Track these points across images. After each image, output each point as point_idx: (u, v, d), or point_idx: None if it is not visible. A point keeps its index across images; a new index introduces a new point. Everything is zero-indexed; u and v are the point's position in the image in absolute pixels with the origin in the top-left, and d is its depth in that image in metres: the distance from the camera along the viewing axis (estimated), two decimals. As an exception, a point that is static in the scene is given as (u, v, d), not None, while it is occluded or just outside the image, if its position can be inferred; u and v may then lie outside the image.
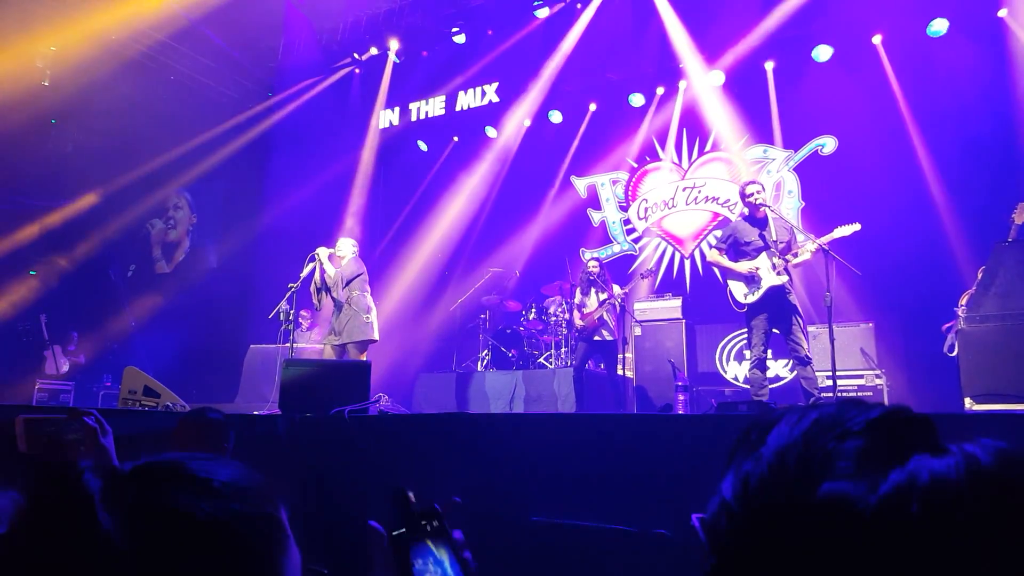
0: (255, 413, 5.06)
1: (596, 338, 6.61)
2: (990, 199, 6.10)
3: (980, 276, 5.06)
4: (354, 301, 5.95)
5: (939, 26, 7.04)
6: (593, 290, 6.72)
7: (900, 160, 7.09)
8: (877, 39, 7.43)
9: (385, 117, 10.18)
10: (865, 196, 6.99)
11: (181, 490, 0.59)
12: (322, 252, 6.14)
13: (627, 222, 9.27)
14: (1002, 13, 6.72)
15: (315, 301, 6.19)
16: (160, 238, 11.10)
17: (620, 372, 6.77)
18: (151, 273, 10.96)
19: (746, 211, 5.38)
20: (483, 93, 9.55)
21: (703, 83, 8.35)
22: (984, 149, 6.57)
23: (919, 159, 7.03)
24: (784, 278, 5.06)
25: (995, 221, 5.46)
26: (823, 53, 7.71)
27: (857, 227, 4.99)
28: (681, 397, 5.68)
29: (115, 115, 9.23)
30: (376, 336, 6.02)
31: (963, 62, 6.84)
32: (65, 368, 9.08)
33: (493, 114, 9.68)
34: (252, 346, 7.64)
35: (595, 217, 9.48)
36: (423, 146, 10.43)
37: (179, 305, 9.88)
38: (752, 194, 5.23)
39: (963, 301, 5.33)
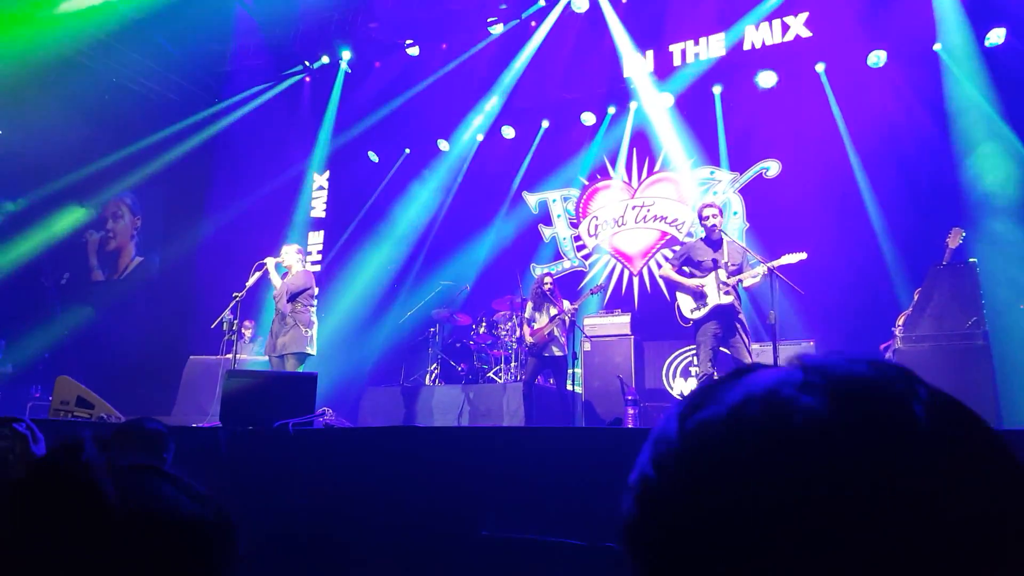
0: (195, 426, 4.85)
1: (546, 353, 6.63)
2: (925, 223, 6.39)
3: (916, 298, 5.29)
4: (297, 314, 5.85)
5: (878, 57, 7.41)
6: (545, 305, 6.74)
7: (841, 184, 7.40)
8: (820, 67, 7.78)
9: (336, 127, 10.05)
10: (807, 219, 7.25)
11: (168, 485, 0.61)
12: (270, 262, 6.00)
13: (577, 239, 9.38)
14: (936, 47, 7.11)
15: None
16: (97, 247, 10.63)
17: (569, 387, 6.80)
18: (86, 281, 10.45)
19: (703, 232, 5.52)
20: (436, 106, 9.54)
21: (653, 104, 8.57)
22: (920, 175, 6.90)
23: (859, 184, 7.35)
24: (731, 298, 5.19)
25: (930, 245, 5.72)
26: (768, 79, 8.02)
27: (803, 256, 5.15)
28: (631, 411, 5.74)
29: (51, 117, 8.82)
30: (313, 351, 5.94)
31: (900, 92, 7.20)
32: (-9, 377, 8.60)
33: (445, 127, 9.68)
34: (192, 357, 7.35)
35: (546, 233, 9.56)
36: (374, 157, 10.32)
37: (115, 314, 9.44)
38: (708, 216, 5.38)
39: (900, 322, 5.55)
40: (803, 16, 7.62)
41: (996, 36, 6.84)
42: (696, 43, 8.21)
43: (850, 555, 0.35)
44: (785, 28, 7.73)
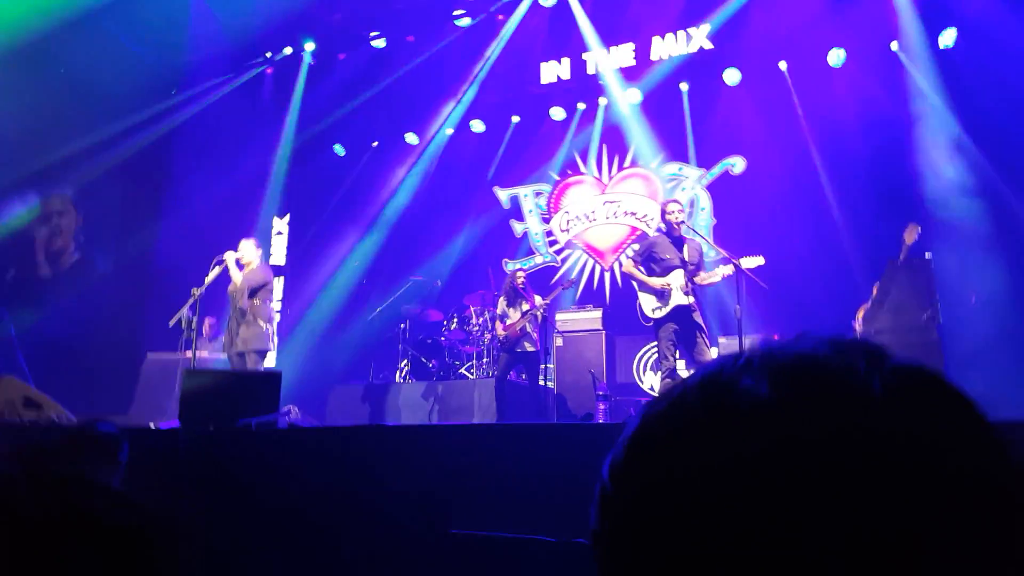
0: (152, 426, 4.68)
1: (518, 349, 6.59)
2: (883, 219, 6.52)
3: (875, 292, 5.40)
4: (256, 310, 5.72)
5: (838, 55, 7.55)
6: (518, 300, 6.70)
7: (803, 180, 7.52)
8: (783, 65, 7.89)
9: (300, 120, 9.84)
10: (772, 214, 7.36)
11: (94, 497, 0.59)
12: (229, 257, 5.84)
13: (549, 233, 9.35)
14: (893, 46, 7.30)
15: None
16: (44, 244, 10.23)
17: (542, 383, 6.77)
18: (34, 277, 10.04)
19: (664, 227, 5.54)
20: (404, 99, 9.41)
21: (622, 100, 8.58)
22: (879, 172, 7.04)
23: (820, 180, 7.48)
24: (691, 298, 5.27)
25: (887, 240, 5.84)
26: (733, 77, 8.09)
27: (761, 261, 5.24)
28: (602, 406, 5.74)
29: (-3, 111, 8.43)
30: (272, 347, 5.83)
31: (860, 90, 7.36)
32: (-73, 377, 8.16)
33: (414, 121, 9.56)
34: (150, 354, 7.12)
35: (518, 228, 9.51)
36: (340, 150, 10.14)
37: (67, 311, 9.07)
38: (672, 212, 5.40)
39: (860, 315, 5.66)
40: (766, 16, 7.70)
41: (948, 37, 7.02)
42: (663, 39, 8.25)
43: (795, 539, 0.33)
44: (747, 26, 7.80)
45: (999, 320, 5.88)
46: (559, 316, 7.55)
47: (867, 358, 0.38)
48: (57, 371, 7.82)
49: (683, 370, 5.74)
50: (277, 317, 5.98)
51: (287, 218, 9.63)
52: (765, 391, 0.36)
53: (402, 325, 8.14)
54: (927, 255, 5.40)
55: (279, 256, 9.71)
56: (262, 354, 5.71)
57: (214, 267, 5.79)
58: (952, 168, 6.60)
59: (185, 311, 5.65)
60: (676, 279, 5.29)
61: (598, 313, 7.46)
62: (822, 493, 0.32)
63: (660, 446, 0.38)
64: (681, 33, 8.11)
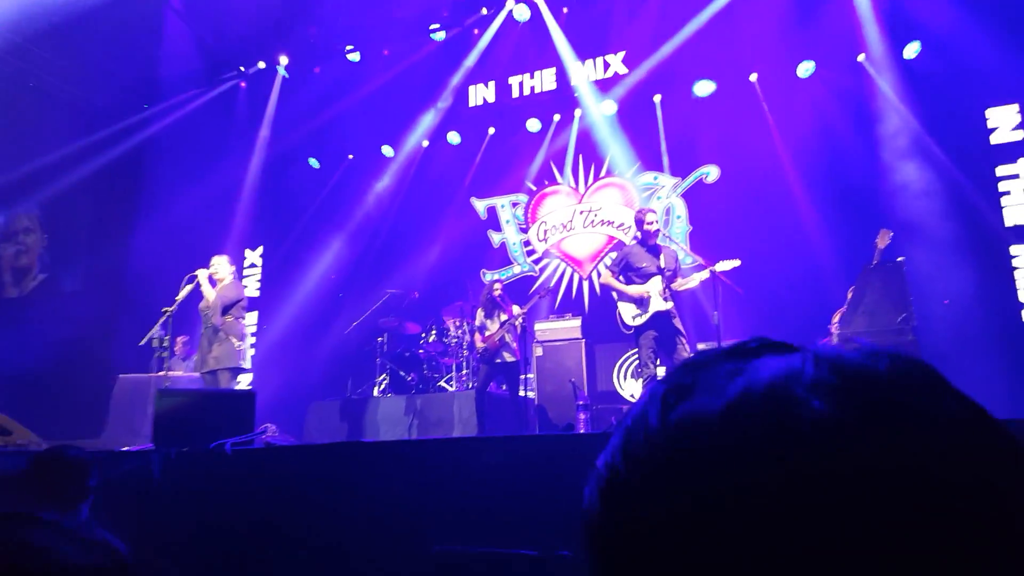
0: (124, 449, 4.57)
1: (498, 360, 6.57)
2: (855, 225, 6.66)
3: (850, 296, 5.50)
4: (228, 327, 5.63)
5: (807, 67, 7.73)
6: (496, 311, 6.69)
7: (776, 188, 7.65)
8: (753, 77, 8.04)
9: (274, 133, 9.76)
10: (746, 221, 7.47)
11: (43, 533, 0.60)
12: (202, 274, 5.75)
13: (527, 243, 9.37)
14: (860, 58, 7.50)
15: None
16: (10, 263, 9.98)
17: (522, 393, 6.75)
18: (0, 297, 9.78)
19: (640, 236, 5.59)
20: (380, 112, 9.39)
21: (597, 112, 8.66)
22: (850, 179, 7.19)
23: (793, 188, 7.61)
24: (670, 304, 5.34)
25: (860, 245, 5.95)
26: (705, 88, 8.22)
27: (737, 263, 5.33)
28: (583, 416, 5.74)
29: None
30: (246, 364, 5.74)
31: (829, 100, 7.54)
32: None
33: (390, 133, 9.54)
34: (121, 376, 6.95)
35: (495, 238, 9.51)
36: (315, 163, 10.07)
37: (34, 332, 8.84)
38: (649, 221, 5.47)
39: (835, 319, 5.75)
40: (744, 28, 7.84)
41: (912, 49, 7.22)
42: (631, 52, 8.36)
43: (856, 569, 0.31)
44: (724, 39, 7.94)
45: (971, 321, 6.04)
46: (538, 326, 7.55)
47: (929, 381, 0.37)
48: (26, 395, 7.61)
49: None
50: (251, 336, 5.87)
51: (260, 250, 9.51)
52: (838, 418, 0.34)
53: (379, 338, 8.07)
54: (900, 259, 5.51)
55: (252, 289, 9.53)
56: (235, 372, 5.62)
57: (185, 284, 5.69)
58: (919, 173, 6.78)
59: (157, 330, 5.54)
60: (654, 286, 5.35)
61: (577, 322, 7.48)
62: (892, 535, 0.31)
63: (712, 449, 0.35)
64: (659, 49, 8.18)
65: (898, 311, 5.15)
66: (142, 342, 5.63)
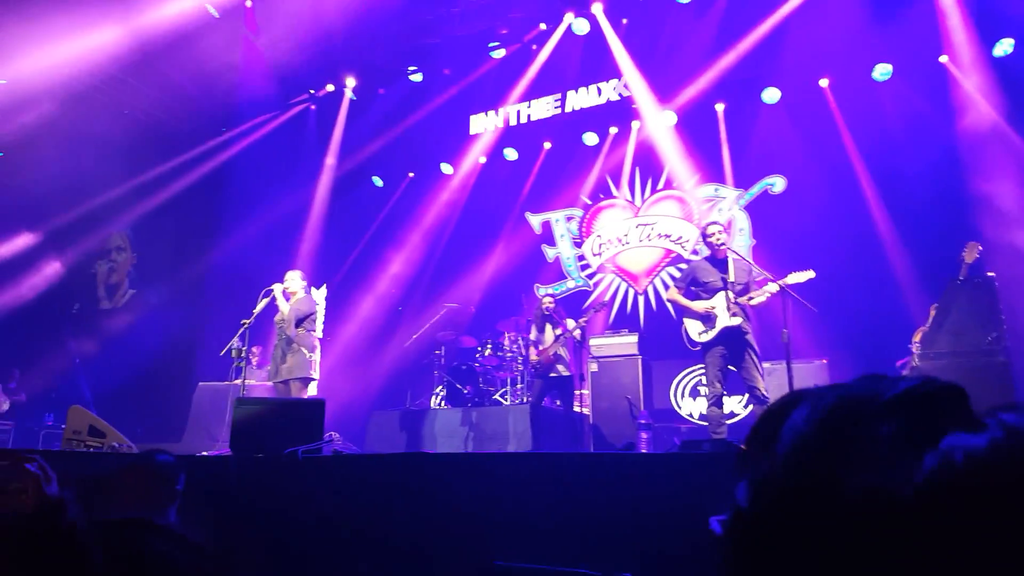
0: (205, 454, 4.84)
1: (552, 374, 6.60)
2: (939, 238, 6.29)
3: (933, 314, 5.21)
4: (301, 339, 5.89)
5: (884, 70, 7.41)
6: (548, 326, 6.73)
7: (849, 199, 7.34)
8: (824, 82, 7.79)
9: (341, 153, 10.14)
10: (816, 234, 7.18)
11: (159, 540, 0.63)
12: (277, 288, 6.06)
13: (581, 258, 9.39)
14: (943, 59, 7.12)
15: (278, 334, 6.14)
16: (104, 279, 10.79)
17: (576, 408, 6.76)
18: (96, 310, 10.53)
19: (707, 251, 5.50)
20: (440, 130, 9.63)
21: (656, 123, 8.62)
22: (932, 189, 6.78)
23: (868, 198, 7.29)
24: (739, 319, 5.12)
25: (944, 260, 5.60)
26: (772, 95, 8.04)
27: (811, 274, 5.03)
28: (644, 435, 5.66)
29: (64, 149, 8.95)
30: (316, 375, 5.97)
31: (908, 105, 7.17)
32: (5, 407, 8.65)
33: (449, 151, 9.76)
34: (201, 384, 7.34)
35: (549, 253, 9.58)
36: (378, 182, 10.41)
37: (126, 342, 9.49)
38: (713, 234, 5.33)
39: (917, 338, 5.46)
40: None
41: (1004, 47, 6.83)
42: (692, 61, 8.25)
43: None
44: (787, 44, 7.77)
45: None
46: (594, 341, 7.54)
47: None
48: (115, 400, 8.17)
49: (726, 396, 5.64)
50: (319, 346, 6.13)
51: (324, 289, 9.86)
52: None
53: (437, 352, 8.23)
54: (989, 274, 5.17)
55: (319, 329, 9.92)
56: (306, 382, 5.86)
57: (262, 298, 6.00)
58: (1010, 180, 6.34)
59: (236, 341, 5.85)
60: (720, 301, 5.23)
61: (634, 338, 7.42)
62: None
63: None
64: (723, 56, 8.04)
65: (987, 330, 4.83)
66: (223, 352, 5.96)
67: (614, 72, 8.74)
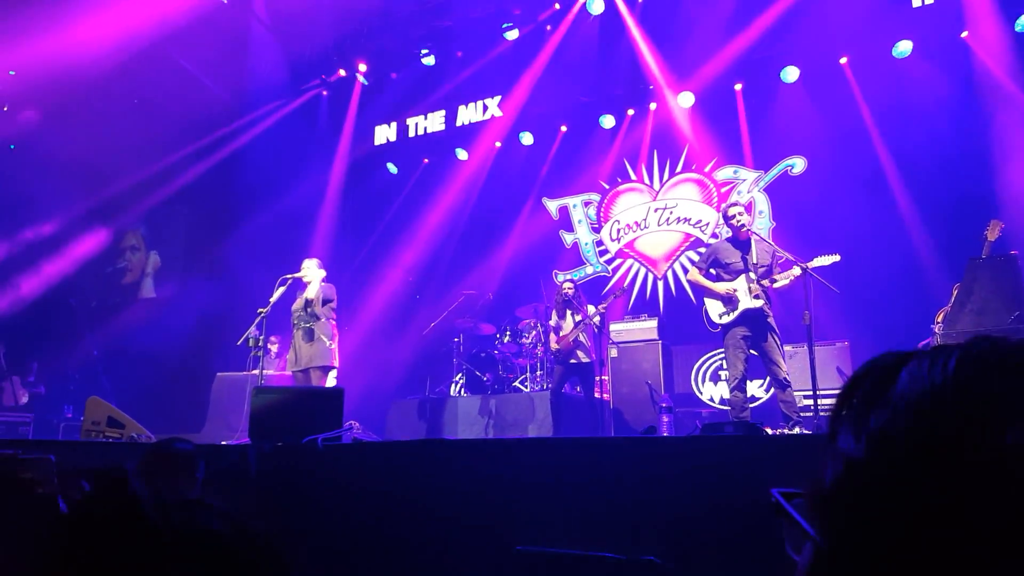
0: (224, 443, 4.84)
1: (572, 360, 6.53)
2: (961, 216, 6.19)
3: (955, 293, 5.12)
4: (320, 327, 5.84)
5: (904, 47, 7.23)
6: (568, 312, 6.65)
7: (870, 179, 7.22)
8: (844, 60, 7.61)
9: (353, 139, 10.09)
10: (836, 215, 7.09)
11: (218, 521, 0.66)
12: (307, 272, 6.04)
13: (599, 243, 9.28)
14: (964, 35, 6.94)
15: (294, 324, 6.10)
16: (120, 273, 10.91)
17: (597, 395, 6.69)
18: (113, 302, 10.63)
19: (729, 232, 5.39)
20: (453, 115, 9.53)
21: (673, 105, 8.46)
22: (954, 167, 6.67)
23: (889, 178, 7.17)
24: (760, 301, 5.05)
25: (966, 238, 5.53)
26: (791, 74, 7.86)
27: (836, 258, 4.97)
28: (665, 419, 5.61)
29: (75, 140, 8.97)
30: (336, 363, 5.93)
31: (929, 82, 7.02)
32: (24, 399, 8.76)
33: (464, 136, 9.66)
34: (219, 374, 7.37)
35: (567, 239, 9.47)
36: (393, 168, 10.34)
37: (142, 333, 9.56)
38: (735, 215, 5.25)
39: (939, 318, 5.38)
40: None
41: (1027, 20, 6.64)
42: (710, 41, 8.07)
43: None
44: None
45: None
46: (613, 327, 7.46)
47: None
48: (135, 391, 8.24)
49: (751, 382, 5.54)
50: (338, 334, 6.10)
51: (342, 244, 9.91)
52: None
53: (456, 339, 8.19)
54: (1012, 253, 5.06)
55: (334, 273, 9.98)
56: (326, 370, 5.83)
57: (278, 287, 5.96)
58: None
59: (252, 330, 5.83)
60: (741, 283, 5.15)
61: (654, 323, 7.34)
62: None
63: None
64: (740, 35, 7.89)
65: (1010, 310, 4.74)
66: (239, 342, 5.94)
67: (630, 52, 8.57)
